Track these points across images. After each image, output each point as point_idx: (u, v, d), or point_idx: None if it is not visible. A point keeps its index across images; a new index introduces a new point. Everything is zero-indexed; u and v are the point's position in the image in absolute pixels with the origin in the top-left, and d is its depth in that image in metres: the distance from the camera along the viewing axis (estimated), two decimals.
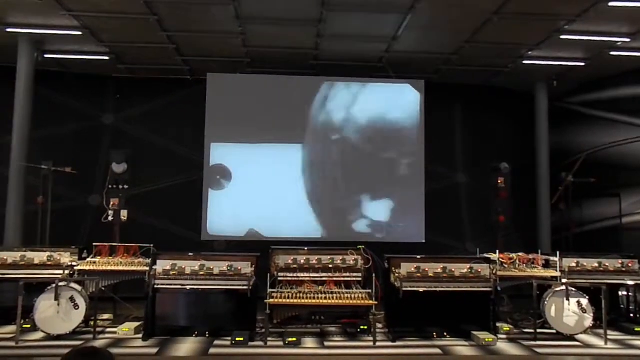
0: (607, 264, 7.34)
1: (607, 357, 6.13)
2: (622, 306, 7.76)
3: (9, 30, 8.44)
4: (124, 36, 8.84)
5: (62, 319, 6.32)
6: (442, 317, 6.75)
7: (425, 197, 10.50)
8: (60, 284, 6.38)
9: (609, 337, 6.52)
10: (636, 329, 7.04)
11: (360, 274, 6.93)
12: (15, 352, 5.92)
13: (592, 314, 6.65)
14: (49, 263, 6.96)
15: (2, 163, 9.07)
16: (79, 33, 8.54)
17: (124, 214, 8.21)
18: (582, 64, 9.66)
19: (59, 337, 6.31)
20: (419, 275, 6.62)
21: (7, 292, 7.22)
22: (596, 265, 7.33)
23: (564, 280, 6.94)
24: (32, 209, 8.66)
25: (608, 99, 10.53)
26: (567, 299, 6.65)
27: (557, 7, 7.60)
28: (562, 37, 8.49)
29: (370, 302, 6.42)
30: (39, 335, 6.40)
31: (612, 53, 9.12)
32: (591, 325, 6.69)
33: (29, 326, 6.48)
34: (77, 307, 6.38)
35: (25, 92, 8.93)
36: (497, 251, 7.38)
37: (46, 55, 9.38)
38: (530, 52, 9.33)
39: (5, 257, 6.95)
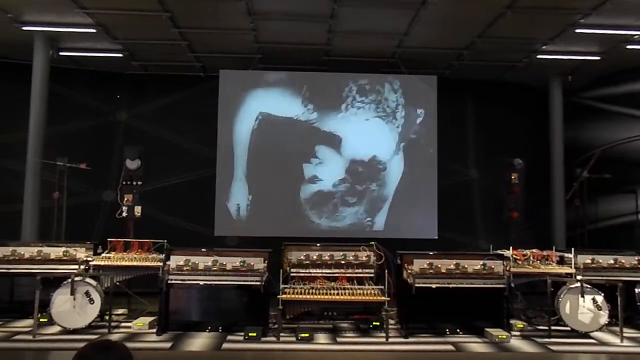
0: (623, 261, 7.27)
1: (622, 355, 6.07)
2: (638, 303, 7.62)
3: (24, 28, 8.53)
4: (137, 33, 8.90)
5: (78, 313, 6.41)
6: (454, 313, 6.73)
7: (438, 193, 10.45)
8: (76, 278, 6.47)
9: (624, 334, 6.45)
10: None
11: (372, 270, 6.94)
12: (33, 346, 6.02)
13: (607, 311, 6.58)
14: (65, 258, 7.07)
15: (18, 159, 9.18)
16: (93, 30, 8.61)
17: (137, 209, 8.29)
18: (598, 58, 9.53)
19: (74, 331, 6.40)
20: (431, 271, 6.60)
21: (24, 287, 7.36)
22: (612, 261, 7.26)
23: (578, 277, 6.87)
24: (48, 204, 8.78)
25: (624, 94, 10.37)
26: (582, 296, 6.59)
27: (572, 1, 7.51)
28: (577, 30, 8.38)
29: (383, 298, 6.41)
30: (55, 329, 6.50)
31: (628, 47, 8.98)
32: (606, 322, 6.63)
33: (45, 320, 6.58)
34: (92, 302, 6.46)
35: (41, 89, 9.03)
36: (511, 247, 7.33)
37: (61, 53, 9.47)
38: (544, 47, 9.22)
39: (22, 252, 7.08)
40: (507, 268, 6.81)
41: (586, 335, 6.60)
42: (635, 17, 7.91)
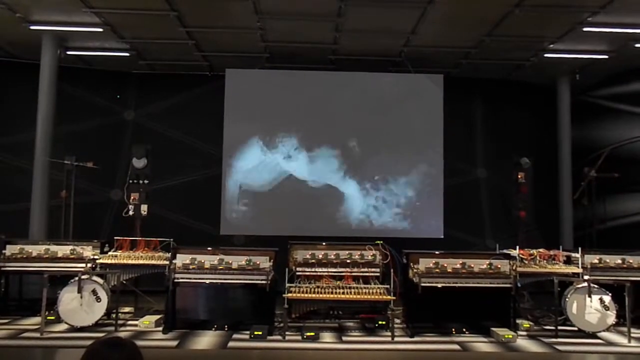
0: (631, 261, 7.22)
1: (630, 355, 6.03)
2: None
3: (33, 27, 8.59)
4: (144, 32, 8.93)
5: (85, 311, 6.45)
6: (461, 313, 6.71)
7: (445, 192, 10.42)
8: (83, 277, 6.51)
9: (632, 334, 6.40)
10: None
11: (378, 269, 6.93)
12: (40, 343, 6.06)
13: (614, 312, 6.54)
14: (72, 256, 7.11)
15: (26, 158, 9.25)
16: (101, 30, 8.65)
17: (144, 208, 8.31)
18: (606, 56, 9.46)
19: (82, 329, 6.44)
20: (437, 270, 6.59)
21: (32, 284, 7.43)
22: (619, 261, 7.21)
23: (585, 277, 6.83)
24: (56, 203, 8.83)
25: (632, 93, 10.29)
26: (589, 296, 6.55)
27: None
28: (585, 29, 8.32)
29: (389, 297, 6.40)
30: (62, 326, 6.54)
31: (637, 45, 8.91)
32: (614, 322, 6.58)
33: (53, 318, 6.62)
34: (99, 300, 6.50)
35: (49, 88, 9.08)
36: (517, 247, 7.29)
37: (69, 52, 9.53)
38: (552, 45, 9.16)
39: (30, 250, 7.13)
40: (514, 268, 6.77)
41: (593, 335, 6.56)
42: None
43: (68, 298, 6.44)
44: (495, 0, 7.56)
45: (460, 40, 9.20)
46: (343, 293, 6.47)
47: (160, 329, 6.56)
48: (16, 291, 7.70)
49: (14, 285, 7.65)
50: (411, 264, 6.78)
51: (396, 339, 6.33)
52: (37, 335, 6.24)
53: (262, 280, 6.51)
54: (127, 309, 7.61)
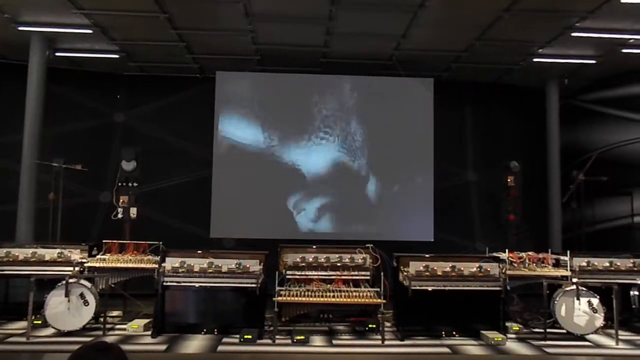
0: (619, 264, 7.27)
1: (618, 358, 6.08)
2: (633, 306, 7.59)
3: (21, 28, 8.51)
4: (134, 34, 8.89)
5: (73, 315, 6.39)
6: (451, 316, 6.73)
7: (435, 195, 10.46)
8: (71, 280, 6.44)
9: (620, 337, 6.45)
10: None
11: (368, 273, 6.93)
12: (26, 348, 5.99)
13: (603, 314, 6.58)
14: (60, 260, 7.01)
15: (14, 159, 9.15)
16: (90, 31, 8.60)
17: (133, 211, 8.26)
18: (594, 61, 9.56)
19: (69, 333, 6.37)
20: (427, 273, 6.59)
21: (18, 288, 7.33)
22: (607, 264, 7.26)
23: (574, 280, 6.87)
24: (43, 205, 8.74)
25: (620, 97, 10.41)
26: (578, 299, 6.60)
27: (569, 4, 7.53)
28: (574, 34, 8.41)
29: (379, 300, 6.40)
30: (49, 331, 6.47)
31: (624, 50, 9.01)
32: (602, 325, 6.63)
33: (39, 322, 6.55)
34: (87, 304, 6.44)
35: (37, 89, 8.99)
36: (507, 250, 7.33)
37: (58, 54, 9.44)
38: (541, 50, 9.24)
39: (16, 254, 7.02)
40: (503, 270, 6.80)
41: (582, 337, 6.61)
42: (631, 20, 7.94)
43: (55, 302, 6.37)
44: (485, 5, 7.61)
45: (451, 44, 9.25)
46: (333, 296, 6.46)
47: (149, 332, 6.51)
48: (2, 295, 7.60)
49: (0, 289, 7.55)
50: (401, 267, 6.79)
51: (386, 342, 6.34)
52: (24, 339, 6.18)
53: (252, 283, 6.48)
54: (115, 313, 7.54)
